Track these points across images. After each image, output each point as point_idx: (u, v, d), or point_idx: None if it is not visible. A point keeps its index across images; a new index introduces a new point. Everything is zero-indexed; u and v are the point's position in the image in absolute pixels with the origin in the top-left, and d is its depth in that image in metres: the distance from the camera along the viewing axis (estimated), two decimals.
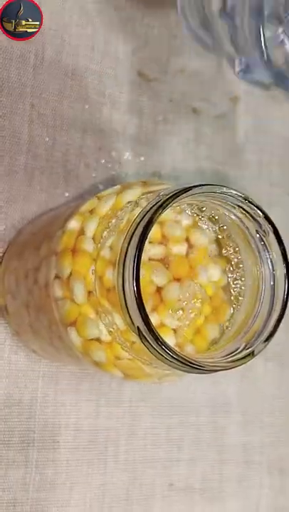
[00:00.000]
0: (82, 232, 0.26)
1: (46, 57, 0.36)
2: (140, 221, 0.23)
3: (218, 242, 0.28)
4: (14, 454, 0.34)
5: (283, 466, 0.43)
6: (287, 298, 0.24)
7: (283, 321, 0.25)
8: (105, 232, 0.25)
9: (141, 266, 0.22)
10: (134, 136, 0.39)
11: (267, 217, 0.24)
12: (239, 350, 0.24)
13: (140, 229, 0.23)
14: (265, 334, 0.24)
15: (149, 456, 0.38)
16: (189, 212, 0.27)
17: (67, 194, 0.36)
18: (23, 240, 0.33)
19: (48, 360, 0.35)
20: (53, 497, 0.35)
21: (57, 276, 0.26)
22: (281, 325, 0.25)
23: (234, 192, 0.24)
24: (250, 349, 0.24)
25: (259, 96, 0.44)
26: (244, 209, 0.24)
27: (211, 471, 0.41)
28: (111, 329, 0.25)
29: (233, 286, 0.27)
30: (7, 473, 0.34)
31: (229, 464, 0.41)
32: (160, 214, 0.23)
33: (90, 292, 0.25)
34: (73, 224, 0.26)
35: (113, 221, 0.25)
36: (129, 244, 0.23)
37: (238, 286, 0.27)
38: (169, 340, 0.26)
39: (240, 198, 0.24)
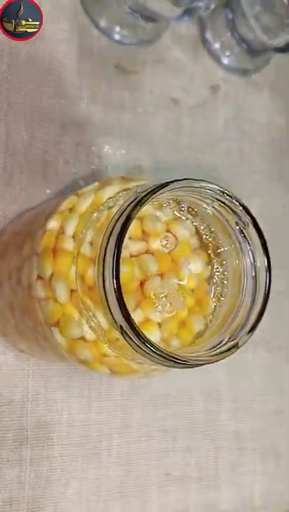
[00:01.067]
0: (62, 231, 0.26)
1: (21, 52, 0.36)
2: (118, 218, 0.23)
3: (199, 234, 0.28)
4: (8, 452, 0.34)
5: (276, 452, 0.44)
6: (268, 289, 0.24)
7: (269, 307, 0.25)
8: (85, 230, 0.25)
9: (121, 263, 0.22)
10: (114, 129, 0.38)
11: (246, 209, 0.24)
12: (224, 343, 0.24)
13: (118, 226, 0.23)
14: (249, 326, 0.24)
15: (144, 448, 0.39)
16: (169, 207, 0.27)
17: (48, 191, 0.36)
18: (5, 240, 0.33)
19: (36, 358, 0.35)
20: (49, 493, 0.35)
21: (39, 277, 0.26)
22: (268, 311, 0.25)
23: (212, 186, 0.24)
24: (234, 341, 0.24)
25: (238, 84, 0.43)
26: (223, 202, 0.24)
27: (206, 459, 0.41)
28: (94, 327, 0.25)
29: (216, 278, 0.27)
30: (2, 473, 0.34)
31: (223, 452, 0.42)
32: (138, 211, 0.22)
33: (72, 291, 0.25)
34: (53, 223, 0.26)
35: (92, 218, 0.25)
36: (108, 242, 0.23)
37: (221, 278, 0.27)
38: (155, 334, 0.26)
39: (218, 192, 0.24)
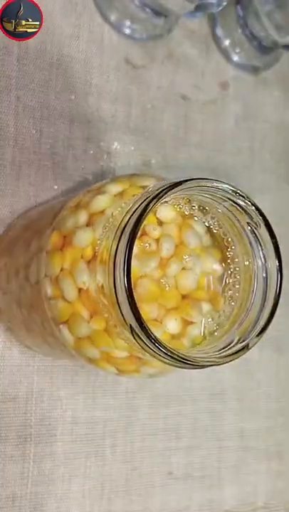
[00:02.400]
0: (71, 230, 0.25)
1: (30, 47, 0.35)
2: (130, 217, 0.22)
3: (210, 233, 0.27)
4: (12, 449, 0.34)
5: (280, 451, 0.44)
6: (279, 291, 0.24)
7: (279, 307, 0.25)
8: (95, 229, 0.25)
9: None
10: (123, 125, 0.38)
11: (258, 210, 0.24)
12: (233, 344, 0.24)
13: (130, 225, 0.22)
14: (259, 327, 0.24)
15: (147, 446, 0.38)
16: (179, 206, 0.26)
17: (56, 187, 0.36)
18: (12, 236, 0.32)
19: (42, 355, 0.35)
20: (52, 490, 0.35)
21: (47, 275, 0.26)
22: (277, 311, 0.25)
23: (224, 185, 0.23)
24: (244, 342, 0.24)
25: (248, 81, 0.43)
26: (234, 202, 0.24)
27: (209, 458, 0.41)
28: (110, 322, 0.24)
29: (227, 277, 0.27)
30: (5, 468, 0.34)
31: (227, 451, 0.41)
32: (150, 210, 0.22)
33: (80, 290, 0.25)
34: (62, 221, 0.26)
35: (103, 217, 0.25)
36: (119, 241, 0.22)
37: (232, 278, 0.27)
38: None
39: (230, 192, 0.23)
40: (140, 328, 0.22)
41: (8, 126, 0.35)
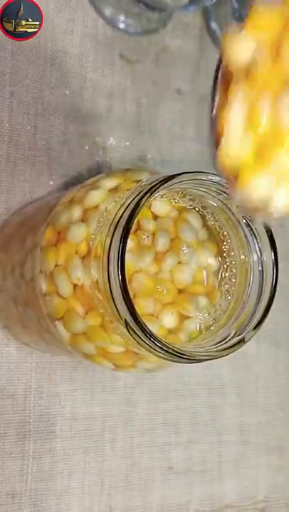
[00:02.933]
0: (65, 225, 0.25)
1: (24, 43, 0.35)
2: (124, 211, 0.22)
3: (207, 227, 0.27)
4: (10, 446, 0.34)
5: (280, 445, 0.44)
6: (275, 284, 0.24)
7: (274, 300, 0.25)
8: (89, 224, 0.25)
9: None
10: (118, 120, 0.38)
11: None
12: (229, 338, 0.24)
13: (124, 219, 0.22)
14: (255, 321, 0.24)
15: (147, 441, 0.38)
16: (175, 200, 0.26)
17: (51, 182, 0.36)
18: (8, 233, 0.32)
19: (39, 351, 0.35)
20: (52, 486, 0.35)
21: (42, 271, 0.26)
22: (273, 304, 0.25)
23: (218, 178, 0.23)
24: (240, 336, 0.24)
25: None
26: (229, 195, 0.24)
27: (210, 452, 0.41)
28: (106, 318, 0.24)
29: (223, 271, 0.27)
30: (4, 465, 0.34)
31: (227, 445, 0.41)
32: (143, 205, 0.22)
33: (75, 285, 0.25)
34: (56, 217, 0.26)
35: (97, 212, 0.25)
36: (113, 235, 0.22)
37: (228, 271, 0.27)
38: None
39: (224, 185, 0.23)
40: (135, 323, 0.22)
41: (3, 122, 0.35)
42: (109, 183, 0.26)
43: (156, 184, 0.22)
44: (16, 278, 0.29)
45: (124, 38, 0.38)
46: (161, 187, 0.22)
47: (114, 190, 0.26)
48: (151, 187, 0.22)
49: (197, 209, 0.27)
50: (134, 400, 0.38)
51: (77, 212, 0.25)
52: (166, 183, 0.22)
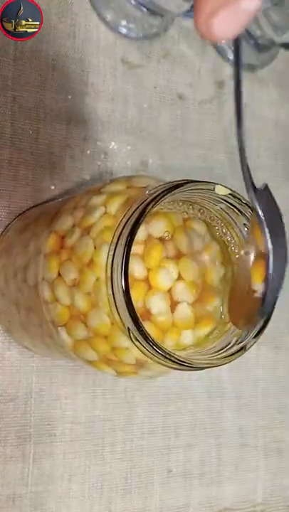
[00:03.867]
0: (68, 233, 0.25)
1: (26, 47, 0.35)
2: (127, 221, 0.22)
3: (210, 233, 0.27)
4: (11, 449, 0.34)
5: (279, 448, 0.44)
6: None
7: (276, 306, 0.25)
8: (91, 232, 0.25)
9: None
10: (120, 125, 0.38)
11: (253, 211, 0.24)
12: (230, 345, 0.24)
13: (128, 229, 0.22)
14: (256, 329, 0.24)
15: (147, 445, 0.39)
16: (178, 207, 0.26)
17: (53, 187, 0.36)
18: (10, 237, 0.32)
19: (41, 355, 0.35)
20: (52, 489, 0.35)
21: (45, 278, 0.26)
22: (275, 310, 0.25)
23: (220, 187, 0.23)
24: (241, 344, 0.24)
25: (245, 80, 0.43)
26: (231, 204, 0.24)
27: (209, 456, 0.41)
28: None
29: (227, 277, 0.27)
30: (5, 469, 0.34)
31: (226, 448, 0.42)
32: (146, 215, 0.22)
33: None
34: (59, 224, 0.26)
35: (99, 221, 0.25)
36: (116, 244, 0.23)
37: (231, 278, 0.27)
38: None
39: (228, 195, 0.24)
40: (138, 332, 0.22)
41: (5, 126, 0.35)
42: (112, 189, 0.26)
43: (158, 195, 0.22)
44: (18, 282, 0.29)
45: (125, 43, 0.39)
46: (163, 198, 0.22)
47: (118, 196, 0.26)
48: (153, 198, 0.22)
49: (199, 215, 0.27)
50: (135, 403, 0.38)
51: (79, 220, 0.25)
52: (167, 193, 0.22)
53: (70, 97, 0.37)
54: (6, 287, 0.31)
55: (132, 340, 0.23)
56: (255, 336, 0.24)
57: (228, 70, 0.42)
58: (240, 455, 0.42)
